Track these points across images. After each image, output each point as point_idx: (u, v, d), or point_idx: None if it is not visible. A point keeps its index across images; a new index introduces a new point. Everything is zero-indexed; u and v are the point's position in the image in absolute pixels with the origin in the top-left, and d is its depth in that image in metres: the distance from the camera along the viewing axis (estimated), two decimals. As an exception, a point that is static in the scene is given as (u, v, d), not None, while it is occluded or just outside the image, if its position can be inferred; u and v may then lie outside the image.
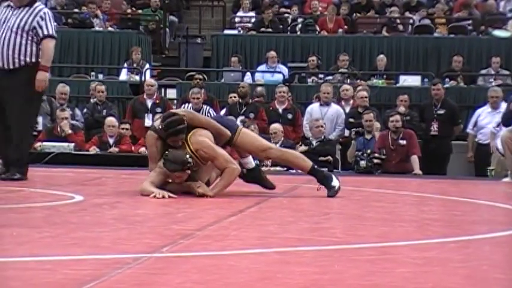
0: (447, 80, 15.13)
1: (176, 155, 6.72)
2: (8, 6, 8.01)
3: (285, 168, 11.70)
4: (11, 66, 7.84)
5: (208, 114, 11.65)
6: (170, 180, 6.90)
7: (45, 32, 7.88)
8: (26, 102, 7.94)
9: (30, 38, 7.86)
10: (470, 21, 17.57)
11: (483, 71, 15.76)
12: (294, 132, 13.05)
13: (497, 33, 16.77)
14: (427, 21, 17.78)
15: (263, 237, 4.62)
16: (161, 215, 5.75)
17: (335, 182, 7.10)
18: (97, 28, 17.62)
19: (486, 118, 12.81)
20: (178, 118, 6.82)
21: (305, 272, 3.53)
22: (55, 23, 8.10)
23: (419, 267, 3.74)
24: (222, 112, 13.28)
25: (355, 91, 13.41)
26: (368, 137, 12.36)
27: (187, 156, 6.71)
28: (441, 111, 12.91)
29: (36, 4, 8.00)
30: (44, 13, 7.92)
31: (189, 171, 6.78)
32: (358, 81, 15.24)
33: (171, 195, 6.70)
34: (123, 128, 13.02)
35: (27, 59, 7.85)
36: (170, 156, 6.71)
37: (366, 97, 13.01)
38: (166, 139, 6.84)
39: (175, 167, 6.72)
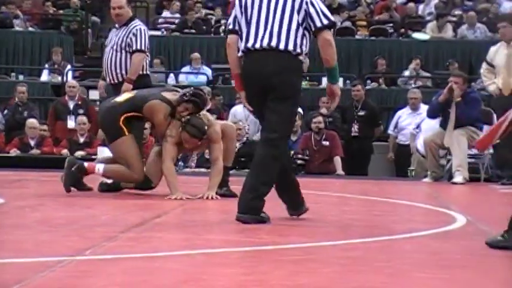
0: (369, 81, 15.33)
1: (199, 122, 7.17)
2: (114, 28, 8.69)
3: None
4: (115, 81, 8.41)
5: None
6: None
7: (134, 47, 8.37)
8: None
9: (125, 53, 8.40)
10: (391, 24, 17.85)
11: (406, 73, 16.02)
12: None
13: (417, 36, 17.08)
14: (348, 24, 17.98)
15: (188, 239, 4.62)
16: (84, 218, 5.69)
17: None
18: (17, 28, 17.33)
19: (406, 119, 13.03)
20: (206, 97, 7.43)
21: (231, 273, 3.54)
22: (147, 39, 8.56)
23: (344, 267, 3.78)
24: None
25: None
26: (293, 138, 12.44)
27: (205, 127, 7.17)
28: (362, 113, 13.08)
29: (133, 22, 8.55)
30: (137, 29, 8.43)
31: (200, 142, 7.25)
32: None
33: (188, 197, 7.00)
34: (41, 130, 12.85)
35: (126, 73, 8.36)
36: (194, 122, 7.12)
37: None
38: (180, 104, 7.23)
39: (196, 133, 7.14)
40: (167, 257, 3.96)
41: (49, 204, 6.48)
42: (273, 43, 5.45)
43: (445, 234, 5.18)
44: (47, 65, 16.08)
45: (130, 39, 8.39)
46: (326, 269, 3.69)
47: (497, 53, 10.39)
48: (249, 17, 5.56)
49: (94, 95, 15.01)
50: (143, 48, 8.42)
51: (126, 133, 7.26)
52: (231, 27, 5.66)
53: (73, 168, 7.35)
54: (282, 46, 5.44)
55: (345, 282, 3.41)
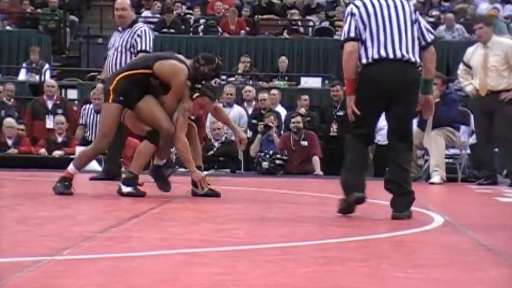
0: (347, 82, 15.34)
1: (211, 85, 7.41)
2: (118, 30, 8.83)
3: (187, 170, 11.67)
4: None
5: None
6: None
7: (139, 47, 8.55)
8: None
9: (130, 54, 8.55)
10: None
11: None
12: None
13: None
14: (327, 24, 18.03)
15: (166, 239, 4.62)
16: (62, 217, 5.67)
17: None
18: (-5, 27, 17.27)
19: (384, 120, 13.05)
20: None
21: (208, 272, 3.54)
22: (152, 40, 8.74)
23: (321, 266, 3.79)
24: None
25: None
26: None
27: None
28: (340, 113, 13.11)
29: (136, 24, 8.76)
30: (141, 31, 8.63)
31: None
32: (260, 82, 15.35)
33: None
34: (18, 129, 12.80)
35: None
36: (209, 85, 7.30)
37: (265, 99, 13.11)
38: (202, 80, 7.17)
39: (213, 95, 7.32)
40: (145, 257, 3.95)
41: (26, 204, 6.45)
42: (407, 54, 5.85)
43: (423, 234, 5.21)
44: (24, 64, 16.01)
45: (135, 40, 8.57)
46: (303, 268, 3.70)
47: (474, 53, 10.45)
48: (373, 27, 5.88)
49: (72, 94, 14.99)
50: (147, 48, 8.58)
51: (110, 101, 7.04)
52: (352, 35, 5.92)
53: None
54: (412, 58, 5.87)
55: (321, 282, 3.42)
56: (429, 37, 6.01)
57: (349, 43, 5.93)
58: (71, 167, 7.10)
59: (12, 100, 13.78)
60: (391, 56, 5.84)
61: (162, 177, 7.27)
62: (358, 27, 5.90)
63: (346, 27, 5.96)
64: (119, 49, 8.61)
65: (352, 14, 5.92)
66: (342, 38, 6.02)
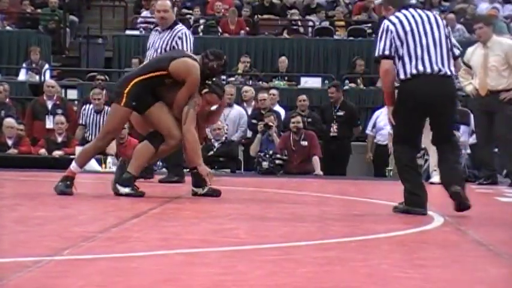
0: (347, 82, 15.36)
1: (218, 81, 7.44)
2: (156, 30, 8.87)
3: (188, 170, 11.69)
4: None
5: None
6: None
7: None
8: None
9: None
10: (369, 24, 17.91)
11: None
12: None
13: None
14: (327, 24, 18.03)
15: (166, 239, 4.62)
16: (62, 217, 5.67)
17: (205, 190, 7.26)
18: (-5, 27, 17.27)
19: (384, 119, 13.06)
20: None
21: (209, 273, 3.54)
22: (192, 42, 8.78)
23: (321, 266, 3.79)
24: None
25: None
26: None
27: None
28: (340, 113, 13.12)
29: (177, 26, 8.73)
30: (182, 33, 8.63)
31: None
32: (260, 82, 15.34)
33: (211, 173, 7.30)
34: (18, 129, 12.80)
35: None
36: (216, 82, 7.34)
37: (265, 99, 13.11)
38: (212, 76, 7.19)
39: (221, 92, 7.33)
40: (145, 257, 3.95)
41: (26, 204, 6.45)
42: (443, 68, 6.11)
43: (423, 234, 5.21)
44: (24, 64, 16.01)
45: (176, 42, 8.56)
46: (303, 268, 3.70)
47: (473, 53, 10.44)
48: (411, 44, 6.09)
49: (72, 94, 14.98)
50: (189, 51, 8.53)
51: (122, 103, 7.01)
52: (387, 53, 6.13)
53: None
54: (448, 72, 6.15)
55: (321, 282, 3.42)
56: (457, 51, 6.37)
57: (385, 61, 6.14)
58: (73, 165, 7.10)
59: (7, 100, 13.75)
60: (428, 70, 6.07)
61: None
62: (394, 44, 6.10)
63: (381, 45, 6.14)
64: (159, 50, 8.58)
65: (389, 31, 6.11)
66: (377, 54, 6.20)
